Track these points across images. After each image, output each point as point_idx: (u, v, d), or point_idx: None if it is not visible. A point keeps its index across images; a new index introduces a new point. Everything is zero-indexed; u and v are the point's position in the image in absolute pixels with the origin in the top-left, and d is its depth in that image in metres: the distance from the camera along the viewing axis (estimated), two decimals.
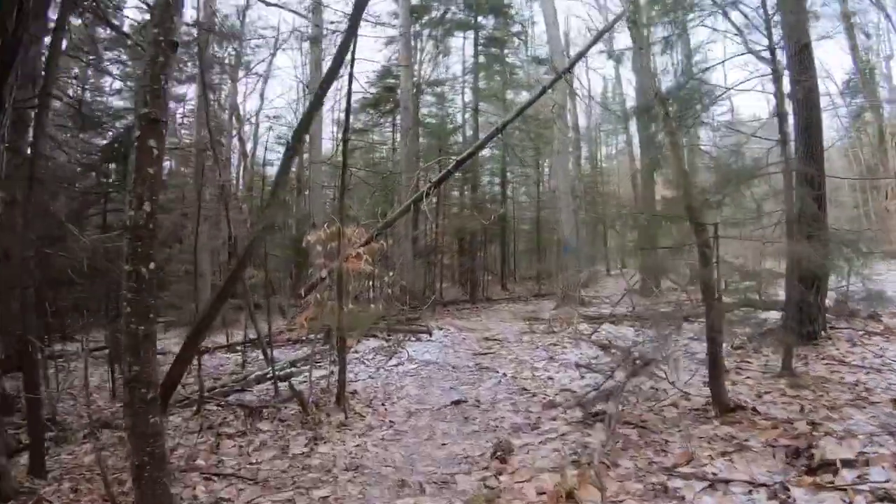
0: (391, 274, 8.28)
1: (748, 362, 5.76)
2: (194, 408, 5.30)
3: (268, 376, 6.04)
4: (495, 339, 8.43)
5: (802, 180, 5.40)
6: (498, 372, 6.25)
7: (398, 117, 17.01)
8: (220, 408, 5.39)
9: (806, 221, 5.35)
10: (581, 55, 7.92)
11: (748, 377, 5.21)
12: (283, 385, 6.11)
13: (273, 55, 19.74)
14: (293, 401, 5.09)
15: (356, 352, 7.43)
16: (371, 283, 10.35)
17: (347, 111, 5.27)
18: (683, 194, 3.88)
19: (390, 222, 8.22)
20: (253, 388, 6.28)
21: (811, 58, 6.36)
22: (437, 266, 15.91)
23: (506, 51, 16.01)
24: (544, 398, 4.81)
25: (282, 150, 25.10)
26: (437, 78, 16.28)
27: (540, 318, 10.26)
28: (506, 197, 18.56)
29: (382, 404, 5.13)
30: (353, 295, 9.45)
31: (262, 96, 21.53)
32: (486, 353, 7.47)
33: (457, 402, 4.95)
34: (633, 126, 25.02)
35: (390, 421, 4.59)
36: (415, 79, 14.79)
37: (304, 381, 6.26)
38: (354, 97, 18.43)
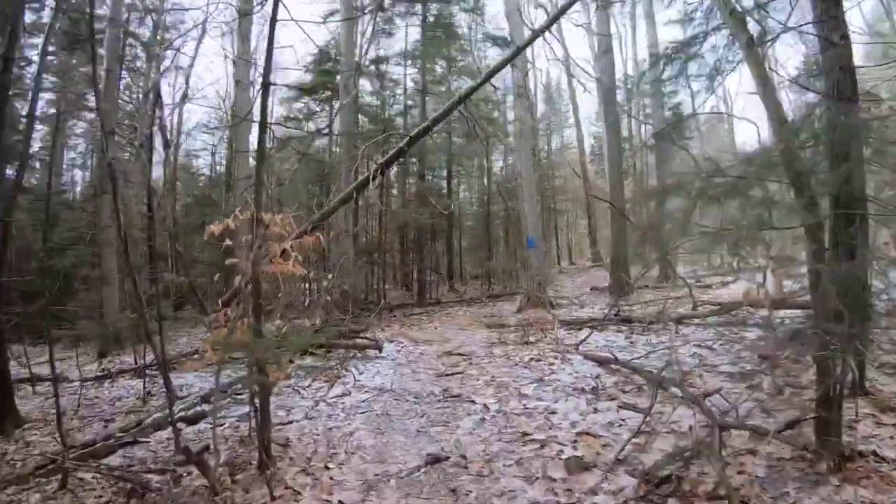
0: (330, 277, 6.65)
1: (796, 378, 4.61)
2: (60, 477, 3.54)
3: (169, 421, 4.33)
4: (460, 354, 6.97)
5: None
6: (476, 402, 4.78)
7: (336, 105, 15.29)
8: (98, 476, 3.62)
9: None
10: (564, 10, 6.60)
11: (812, 400, 4.05)
12: (190, 431, 4.47)
13: (201, 27, 17.37)
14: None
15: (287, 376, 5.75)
16: (307, 287, 8.67)
17: (270, 41, 3.64)
18: (784, 151, 2.55)
19: (329, 213, 6.61)
20: (151, 436, 4.57)
21: (841, 9, 5.37)
22: (381, 266, 14.27)
23: (456, 28, 14.64)
24: (560, 451, 3.38)
25: (208, 137, 22.57)
26: (380, 55, 14.63)
27: (505, 325, 8.91)
28: (451, 190, 17.21)
29: (326, 466, 3.53)
30: (284, 304, 7.72)
31: (187, 80, 19.06)
32: (452, 374, 5.99)
33: (434, 461, 3.44)
34: (581, 115, 24.50)
35: (340, 502, 3.01)
36: (357, 54, 13.10)
37: (224, 423, 4.61)
38: (290, 79, 16.50)
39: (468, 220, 20.60)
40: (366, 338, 7.78)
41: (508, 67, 11.39)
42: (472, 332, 8.76)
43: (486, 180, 18.58)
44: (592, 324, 7.79)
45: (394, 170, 16.18)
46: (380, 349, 7.02)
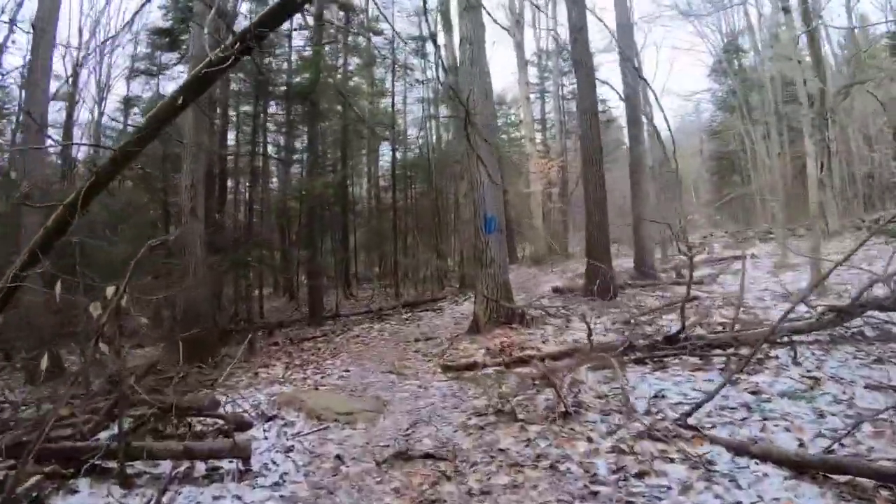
0: (111, 291, 2.61)
1: None
2: None
3: None
4: (428, 456, 3.20)
5: None
6: None
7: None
8: None
9: None
10: None
11: None
12: None
13: None
14: None
15: None
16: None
17: None
18: None
19: (144, 135, 2.66)
20: None
21: None
22: (256, 266, 9.85)
23: None
24: None
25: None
26: None
27: (474, 363, 5.31)
28: (346, 164, 13.31)
29: None
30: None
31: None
32: None
33: None
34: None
35: None
36: None
37: None
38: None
39: (364, 209, 16.93)
40: (218, 416, 3.76)
41: None
42: (417, 381, 5.02)
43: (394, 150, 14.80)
44: (642, 355, 4.49)
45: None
46: (246, 457, 3.07)
